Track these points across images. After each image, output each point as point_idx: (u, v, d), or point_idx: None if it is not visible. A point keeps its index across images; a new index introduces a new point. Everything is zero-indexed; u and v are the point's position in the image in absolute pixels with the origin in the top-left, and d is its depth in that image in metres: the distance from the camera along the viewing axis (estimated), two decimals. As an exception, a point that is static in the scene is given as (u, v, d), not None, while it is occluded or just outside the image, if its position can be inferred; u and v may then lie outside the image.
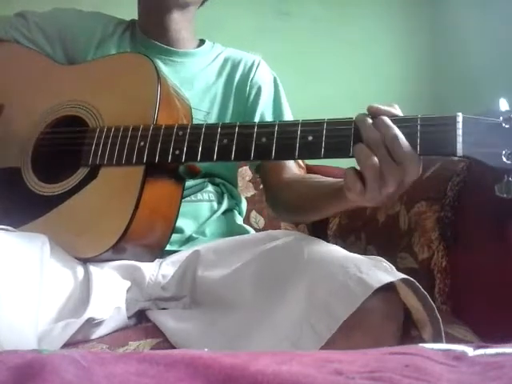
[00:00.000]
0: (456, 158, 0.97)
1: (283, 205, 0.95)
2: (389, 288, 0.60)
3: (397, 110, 0.65)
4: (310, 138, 0.67)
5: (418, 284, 0.60)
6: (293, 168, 0.98)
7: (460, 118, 0.61)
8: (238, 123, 0.73)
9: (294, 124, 0.69)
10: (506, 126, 0.60)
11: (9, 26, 1.01)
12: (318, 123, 0.67)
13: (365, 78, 1.90)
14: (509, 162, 0.59)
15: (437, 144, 0.61)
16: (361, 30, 1.96)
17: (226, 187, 1.03)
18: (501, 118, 0.60)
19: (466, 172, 0.94)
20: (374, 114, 0.64)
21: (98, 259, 0.77)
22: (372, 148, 0.62)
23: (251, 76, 1.04)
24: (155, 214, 0.79)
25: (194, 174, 0.83)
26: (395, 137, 0.61)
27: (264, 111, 1.01)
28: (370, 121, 0.63)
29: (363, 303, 0.56)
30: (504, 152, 0.59)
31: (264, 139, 0.69)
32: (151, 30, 1.02)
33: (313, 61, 1.89)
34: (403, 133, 0.62)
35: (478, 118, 0.61)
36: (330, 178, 0.84)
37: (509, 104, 0.62)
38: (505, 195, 0.60)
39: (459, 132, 0.60)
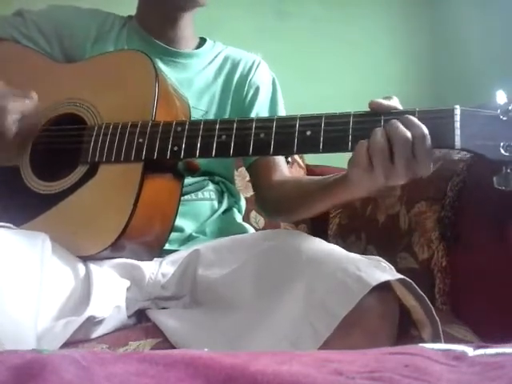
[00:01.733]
0: (456, 158, 0.97)
1: (272, 205, 0.96)
2: (386, 288, 0.60)
3: (396, 103, 0.66)
4: (309, 132, 0.67)
5: (415, 285, 0.60)
6: (283, 170, 0.98)
7: (458, 110, 0.62)
8: (236, 119, 0.73)
9: (292, 119, 0.69)
10: (504, 119, 0.60)
11: (7, 25, 1.01)
12: (317, 118, 0.67)
13: (365, 78, 1.90)
14: (507, 154, 0.59)
15: (435, 137, 0.62)
16: (361, 30, 1.96)
17: (226, 185, 1.03)
18: (498, 110, 0.60)
19: (466, 172, 0.94)
20: (376, 109, 0.65)
21: (98, 257, 0.77)
22: (396, 146, 0.61)
23: (250, 76, 1.04)
24: (154, 211, 0.79)
25: (193, 170, 0.83)
26: (425, 136, 0.61)
27: (259, 112, 1.01)
28: (398, 123, 0.63)
29: (360, 302, 0.56)
30: (502, 144, 0.59)
31: (262, 134, 0.70)
32: (154, 28, 1.01)
33: (313, 61, 1.89)
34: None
35: (476, 111, 0.61)
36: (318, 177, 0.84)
37: (506, 96, 0.62)
38: (503, 187, 0.60)
39: (457, 125, 0.61)
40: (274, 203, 0.94)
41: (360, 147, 0.63)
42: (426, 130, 0.61)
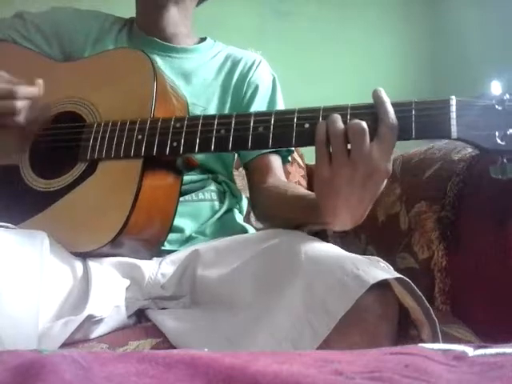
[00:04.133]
0: (456, 158, 0.97)
1: (258, 208, 0.97)
2: (385, 287, 0.60)
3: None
4: (307, 125, 0.67)
5: (413, 285, 0.60)
6: (279, 174, 0.98)
7: (453, 101, 0.62)
8: (234, 114, 0.73)
9: (291, 112, 0.69)
10: (499, 108, 0.61)
11: (7, 27, 1.01)
12: (315, 110, 0.68)
13: (364, 78, 1.90)
14: (503, 143, 0.59)
15: (431, 127, 0.63)
16: (360, 29, 1.96)
17: (228, 185, 1.03)
18: (493, 100, 0.61)
19: (466, 172, 0.94)
20: (375, 99, 0.66)
21: (97, 253, 0.77)
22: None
23: (250, 75, 1.04)
24: (154, 207, 0.79)
25: (191, 167, 0.83)
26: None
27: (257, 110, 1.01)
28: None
29: (359, 301, 0.56)
30: (498, 134, 0.60)
31: (261, 128, 0.70)
32: (149, 27, 1.02)
33: (312, 60, 1.90)
34: (398, 117, 0.63)
35: (472, 101, 0.62)
36: (307, 191, 0.85)
37: (501, 86, 0.62)
38: (500, 177, 0.61)
39: (453, 115, 0.62)
40: (260, 208, 0.95)
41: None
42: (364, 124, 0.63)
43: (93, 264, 0.77)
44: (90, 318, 0.71)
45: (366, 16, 1.98)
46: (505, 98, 0.61)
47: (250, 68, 1.05)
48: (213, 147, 0.72)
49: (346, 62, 1.93)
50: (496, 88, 0.62)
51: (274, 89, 1.06)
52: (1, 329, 0.59)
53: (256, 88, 1.03)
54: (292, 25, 1.92)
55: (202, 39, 1.09)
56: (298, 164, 1.48)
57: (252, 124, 0.71)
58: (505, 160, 0.60)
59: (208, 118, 0.74)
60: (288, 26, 1.91)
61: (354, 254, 0.67)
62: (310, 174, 1.47)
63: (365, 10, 1.97)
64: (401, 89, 1.88)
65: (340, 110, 0.67)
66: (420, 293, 0.61)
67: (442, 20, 1.97)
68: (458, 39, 1.90)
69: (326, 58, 1.91)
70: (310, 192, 0.82)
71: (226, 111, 1.01)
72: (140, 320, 0.81)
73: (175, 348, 0.68)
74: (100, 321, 0.73)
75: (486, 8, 1.78)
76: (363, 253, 0.71)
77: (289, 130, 0.68)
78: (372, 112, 0.65)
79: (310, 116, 0.68)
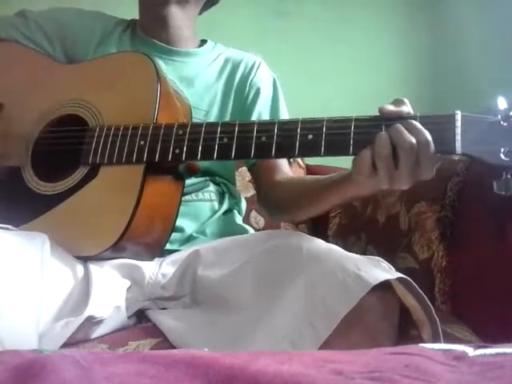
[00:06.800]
0: (456, 158, 0.97)
1: (275, 204, 0.96)
2: (386, 287, 0.60)
3: (407, 107, 0.66)
4: (310, 136, 0.67)
5: (415, 284, 0.60)
6: (285, 170, 0.98)
7: (459, 116, 0.62)
8: (237, 122, 0.73)
9: (294, 122, 0.69)
10: (505, 124, 0.61)
11: (9, 26, 1.00)
12: (318, 121, 0.68)
13: (365, 79, 1.90)
14: (507, 159, 0.59)
15: (436, 142, 0.62)
16: (361, 30, 1.96)
17: (227, 186, 1.03)
18: (499, 116, 0.61)
19: (466, 172, 0.94)
20: (386, 116, 0.65)
21: (98, 257, 0.77)
22: (401, 152, 0.62)
23: (251, 77, 1.04)
24: (155, 212, 0.79)
25: (193, 172, 0.83)
26: (429, 142, 0.62)
27: (261, 112, 1.01)
28: (402, 128, 0.63)
29: (360, 302, 0.57)
30: (502, 150, 0.60)
31: (264, 138, 0.70)
32: (151, 28, 1.02)
33: (313, 61, 1.89)
34: None
35: (477, 116, 0.62)
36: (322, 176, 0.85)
37: (507, 102, 0.62)
38: (503, 192, 0.61)
39: (458, 130, 0.61)
40: (278, 203, 0.95)
41: (363, 155, 0.64)
42: (429, 136, 0.62)
43: (93, 265, 0.77)
44: (90, 318, 0.71)
45: (366, 16, 1.97)
46: (510, 113, 0.61)
47: (251, 70, 1.05)
48: (215, 155, 0.72)
49: (346, 62, 1.93)
50: (502, 103, 0.62)
51: (275, 90, 1.06)
52: (1, 331, 0.59)
53: (258, 90, 1.03)
54: (292, 25, 1.91)
55: (203, 42, 1.09)
56: (298, 164, 1.48)
57: (255, 133, 0.70)
58: (508, 176, 0.60)
59: (211, 126, 0.74)
60: (288, 26, 1.91)
61: (355, 255, 0.67)
62: (310, 174, 1.47)
63: (365, 10, 1.97)
64: (402, 89, 1.88)
65: (344, 121, 0.67)
66: (422, 292, 0.61)
67: (443, 20, 1.97)
68: (459, 39, 1.90)
69: (325, 58, 1.91)
70: (324, 176, 0.82)
71: (228, 113, 1.01)
72: (140, 320, 0.81)
73: (175, 348, 0.68)
74: (100, 321, 0.73)
75: (488, 8, 1.77)
76: (363, 253, 0.72)
77: (292, 140, 0.68)
78: (375, 124, 0.65)
79: (314, 127, 0.67)
